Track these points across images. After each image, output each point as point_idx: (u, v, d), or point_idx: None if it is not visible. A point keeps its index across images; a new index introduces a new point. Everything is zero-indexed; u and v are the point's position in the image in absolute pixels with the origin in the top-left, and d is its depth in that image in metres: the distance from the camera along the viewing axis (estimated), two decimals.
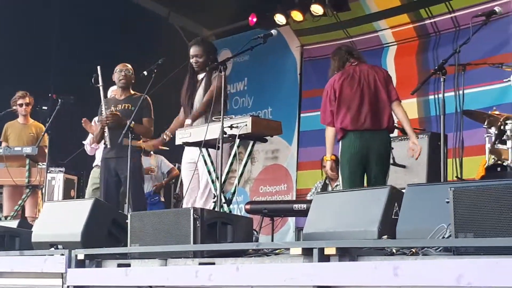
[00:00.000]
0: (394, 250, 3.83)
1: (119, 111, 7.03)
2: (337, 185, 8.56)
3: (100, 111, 7.26)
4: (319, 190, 8.42)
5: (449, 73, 6.23)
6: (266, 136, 5.81)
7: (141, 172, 7.32)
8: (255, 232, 5.12)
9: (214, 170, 5.80)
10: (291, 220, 9.93)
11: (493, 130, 6.73)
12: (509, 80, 4.32)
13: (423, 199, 4.18)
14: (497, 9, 5.24)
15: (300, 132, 10.33)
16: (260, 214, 8.21)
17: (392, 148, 7.05)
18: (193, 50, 6.42)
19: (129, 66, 7.28)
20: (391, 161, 7.04)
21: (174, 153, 7.99)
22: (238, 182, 5.79)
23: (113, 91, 7.72)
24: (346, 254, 3.80)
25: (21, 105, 8.38)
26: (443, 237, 3.76)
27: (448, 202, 3.61)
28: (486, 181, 4.38)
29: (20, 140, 8.31)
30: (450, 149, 7.41)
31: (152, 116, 7.16)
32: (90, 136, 7.89)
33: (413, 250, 3.76)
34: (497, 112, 6.64)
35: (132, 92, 7.25)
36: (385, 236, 4.05)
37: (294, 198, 10.05)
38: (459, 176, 7.23)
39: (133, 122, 6.77)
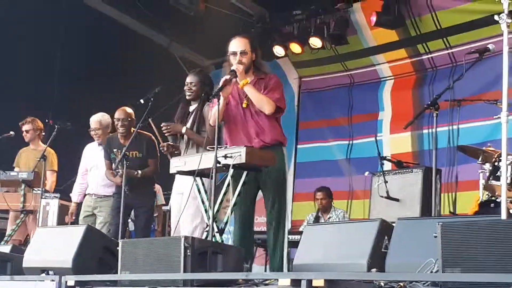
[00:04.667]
0: (382, 284, 3.83)
1: (129, 161, 7.01)
2: (329, 218, 8.59)
3: (108, 148, 7.48)
4: (311, 222, 8.44)
5: (444, 108, 6.29)
6: (260, 166, 5.82)
7: (153, 205, 7.74)
8: (248, 263, 5.13)
9: (208, 200, 5.80)
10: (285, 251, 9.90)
11: (487, 166, 6.75)
12: (499, 117, 4.35)
13: (413, 233, 4.20)
14: (490, 46, 5.28)
15: (296, 163, 10.36)
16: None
17: (386, 182, 7.11)
18: (188, 79, 6.47)
19: (128, 110, 7.43)
20: (385, 195, 7.09)
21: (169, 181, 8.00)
22: (231, 212, 5.79)
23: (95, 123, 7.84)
24: (335, 286, 3.80)
25: (22, 132, 8.46)
26: (431, 272, 3.77)
27: (436, 236, 3.62)
28: (474, 217, 4.41)
29: (27, 165, 8.37)
30: (444, 183, 7.47)
31: (157, 156, 7.34)
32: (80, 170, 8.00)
33: (401, 284, 3.76)
34: (491, 148, 6.68)
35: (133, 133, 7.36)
36: (374, 269, 4.06)
37: (289, 229, 10.02)
38: (451, 211, 7.26)
39: (139, 172, 7.16)
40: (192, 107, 6.46)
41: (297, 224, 9.85)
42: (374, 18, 8.82)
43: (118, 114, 7.43)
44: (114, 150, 7.39)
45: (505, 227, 3.51)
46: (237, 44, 5.79)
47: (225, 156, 5.50)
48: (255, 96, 5.71)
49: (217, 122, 5.59)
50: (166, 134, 6.43)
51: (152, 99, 6.68)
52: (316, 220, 8.73)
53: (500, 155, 6.67)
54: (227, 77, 5.64)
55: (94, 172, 7.82)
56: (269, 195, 5.74)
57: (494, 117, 4.30)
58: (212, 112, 5.75)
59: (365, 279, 3.90)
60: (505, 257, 3.41)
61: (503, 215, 3.90)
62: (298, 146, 10.41)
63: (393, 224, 4.41)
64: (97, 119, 7.91)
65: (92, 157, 7.91)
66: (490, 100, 6.53)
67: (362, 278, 3.89)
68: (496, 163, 6.56)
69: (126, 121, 7.38)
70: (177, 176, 6.24)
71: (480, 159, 6.85)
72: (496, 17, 4.09)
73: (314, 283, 3.80)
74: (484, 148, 6.93)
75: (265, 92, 5.72)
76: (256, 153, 5.62)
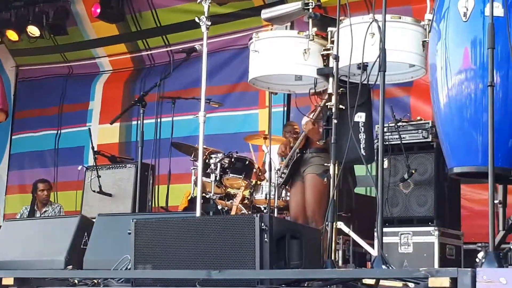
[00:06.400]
0: (76, 281, 3.79)
1: None
2: (45, 211, 8.34)
3: None
4: (25, 216, 8.14)
5: (154, 100, 6.42)
6: None
7: None
8: None
9: None
10: None
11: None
12: (197, 116, 4.51)
13: (112, 229, 4.21)
14: (197, 47, 5.43)
15: (10, 155, 9.99)
16: None
17: (100, 176, 7.06)
18: None
19: None
20: (98, 189, 7.03)
21: None
22: None
23: None
24: (25, 285, 3.69)
25: None
26: (126, 268, 3.79)
27: (130, 233, 3.64)
28: (166, 213, 4.50)
29: None
30: (158, 176, 7.58)
31: None
32: None
33: (96, 281, 3.75)
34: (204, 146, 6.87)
35: None
36: (70, 266, 4.01)
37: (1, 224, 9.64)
38: (164, 205, 7.38)
39: None
40: None
41: (10, 219, 9.48)
42: (95, 11, 8.73)
43: None
44: None
45: (197, 224, 3.62)
46: None
47: None
48: None
49: None
50: None
51: None
52: (31, 213, 8.43)
53: (211, 153, 6.94)
54: None
55: None
56: None
57: (194, 116, 4.41)
58: None
59: (59, 277, 3.83)
60: (195, 254, 3.52)
61: (198, 213, 4.03)
62: (13, 137, 10.03)
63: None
64: None
65: None
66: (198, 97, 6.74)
67: (55, 275, 3.81)
68: (207, 161, 6.79)
69: None
70: None
71: (192, 155, 7.04)
72: (196, 19, 4.20)
73: (4, 282, 3.66)
74: (196, 145, 7.13)
75: None
76: None
